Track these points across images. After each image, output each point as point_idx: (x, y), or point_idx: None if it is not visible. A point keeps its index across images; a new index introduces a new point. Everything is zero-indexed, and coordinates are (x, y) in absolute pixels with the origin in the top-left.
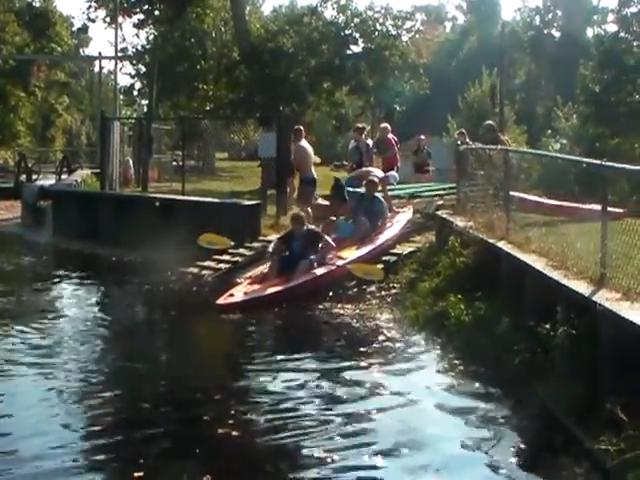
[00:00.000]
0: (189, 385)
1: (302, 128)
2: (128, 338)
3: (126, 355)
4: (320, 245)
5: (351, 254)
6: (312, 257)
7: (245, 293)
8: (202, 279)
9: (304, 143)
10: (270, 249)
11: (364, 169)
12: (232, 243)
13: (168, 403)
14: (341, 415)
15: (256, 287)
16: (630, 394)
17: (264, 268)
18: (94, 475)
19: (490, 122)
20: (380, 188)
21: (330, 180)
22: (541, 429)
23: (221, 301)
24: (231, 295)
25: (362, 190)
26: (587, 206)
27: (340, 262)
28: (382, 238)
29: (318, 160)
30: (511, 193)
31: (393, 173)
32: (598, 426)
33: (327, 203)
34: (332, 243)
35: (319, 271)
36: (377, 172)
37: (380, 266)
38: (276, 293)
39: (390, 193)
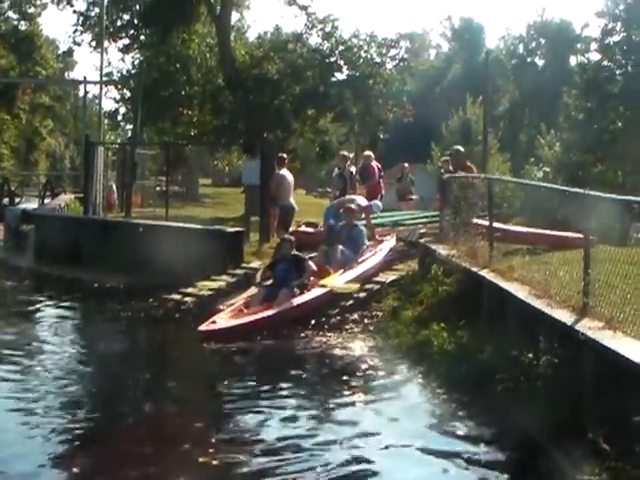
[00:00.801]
0: (169, 413)
1: (285, 156)
2: (107, 364)
3: (104, 382)
4: (304, 267)
5: (332, 281)
6: (294, 283)
7: (227, 320)
8: (184, 306)
9: (284, 172)
10: (258, 278)
11: (346, 197)
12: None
13: (147, 430)
14: (322, 443)
15: (238, 314)
16: (613, 424)
17: (247, 295)
18: None
19: (458, 147)
20: (363, 216)
21: (313, 207)
22: (524, 458)
23: (203, 328)
24: (213, 322)
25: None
26: (563, 234)
27: (322, 290)
28: (364, 266)
29: None
30: (475, 221)
31: (376, 202)
32: (582, 456)
33: (310, 230)
34: (314, 267)
35: (301, 298)
36: (360, 200)
37: (357, 285)
38: (258, 320)
39: (373, 221)
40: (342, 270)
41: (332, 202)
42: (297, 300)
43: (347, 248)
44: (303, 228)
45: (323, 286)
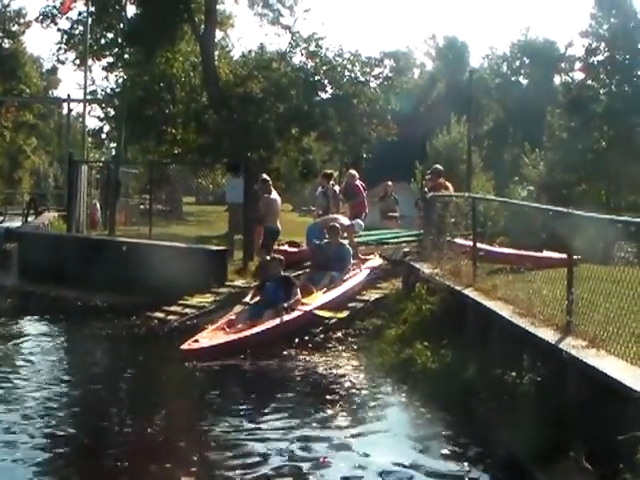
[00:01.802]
0: (150, 431)
1: (269, 179)
2: (90, 383)
3: (86, 399)
4: (291, 292)
5: (316, 300)
6: (280, 305)
7: (210, 339)
8: (168, 324)
9: (275, 195)
10: (248, 299)
11: (329, 216)
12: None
13: (130, 450)
14: (304, 462)
15: (222, 333)
16: (595, 442)
17: (232, 313)
18: None
19: (437, 166)
20: (346, 235)
21: (297, 226)
22: (507, 477)
23: (185, 347)
24: (196, 341)
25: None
26: (547, 254)
27: (307, 307)
28: (348, 285)
29: None
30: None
31: (358, 221)
32: (564, 474)
33: (294, 249)
34: (299, 296)
35: (285, 318)
36: (342, 219)
37: (345, 313)
38: (241, 339)
39: (357, 240)
40: (325, 289)
41: (315, 221)
42: (281, 319)
43: (335, 269)
44: (286, 247)
45: (305, 304)
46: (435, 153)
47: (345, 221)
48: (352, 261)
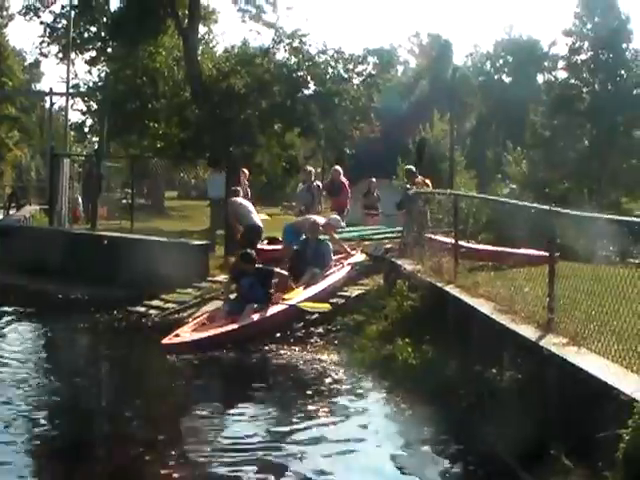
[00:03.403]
0: (131, 425)
1: (238, 189)
2: (70, 376)
3: (67, 393)
4: (274, 281)
5: (297, 296)
6: (260, 297)
7: (190, 334)
8: (149, 318)
9: (235, 199)
10: (222, 294)
11: (305, 217)
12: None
13: (110, 442)
14: (283, 458)
15: (202, 328)
16: (576, 440)
17: (211, 309)
18: None
19: (409, 167)
20: (326, 234)
21: (278, 223)
22: (488, 474)
23: (166, 341)
24: (177, 335)
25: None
26: (528, 251)
27: (291, 302)
28: (329, 281)
29: (266, 217)
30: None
31: (335, 216)
32: (545, 472)
33: (276, 247)
34: (285, 273)
35: (266, 312)
36: (318, 219)
37: (328, 305)
38: (222, 334)
39: (338, 236)
40: (305, 285)
41: (291, 222)
42: (261, 314)
43: (316, 265)
44: (264, 246)
45: (286, 300)
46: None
47: (321, 221)
48: (333, 257)
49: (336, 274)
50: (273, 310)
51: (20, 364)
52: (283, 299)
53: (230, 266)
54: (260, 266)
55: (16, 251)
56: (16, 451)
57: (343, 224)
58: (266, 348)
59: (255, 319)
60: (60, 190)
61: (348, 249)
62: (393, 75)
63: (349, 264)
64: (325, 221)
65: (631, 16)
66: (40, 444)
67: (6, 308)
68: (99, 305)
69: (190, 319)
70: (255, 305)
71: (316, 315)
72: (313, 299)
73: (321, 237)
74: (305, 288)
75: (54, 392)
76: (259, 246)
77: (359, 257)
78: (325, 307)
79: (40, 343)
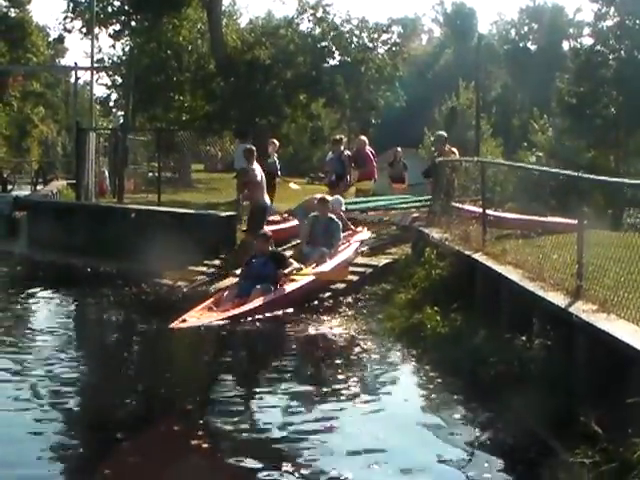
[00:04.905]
0: (160, 396)
1: (254, 149)
2: (99, 349)
3: (97, 366)
4: (285, 264)
5: (306, 277)
6: (281, 272)
7: (198, 318)
8: (178, 290)
9: (255, 166)
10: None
11: (311, 196)
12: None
13: (138, 414)
14: (314, 427)
15: (210, 312)
16: (605, 406)
17: (225, 284)
18: None
19: (441, 133)
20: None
21: (308, 194)
22: (517, 442)
23: (173, 325)
24: (184, 321)
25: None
26: (556, 219)
27: (297, 284)
28: (338, 259)
29: (297, 187)
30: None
31: (337, 197)
32: (574, 439)
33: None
34: (296, 264)
35: (273, 295)
36: (326, 197)
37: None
38: (230, 318)
39: (366, 205)
40: (315, 264)
41: (299, 203)
42: (269, 297)
43: (324, 244)
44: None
45: (294, 280)
46: (443, 119)
47: (339, 204)
48: (341, 235)
49: (344, 252)
50: (283, 292)
51: (49, 338)
52: (293, 280)
53: (239, 250)
54: (275, 250)
55: (44, 226)
56: (44, 424)
57: (343, 207)
58: (295, 318)
59: (262, 302)
60: (86, 164)
61: (353, 227)
62: (417, 44)
63: (356, 241)
64: (332, 198)
65: None
66: (68, 420)
67: (37, 283)
68: (128, 278)
69: (213, 290)
70: (261, 286)
71: (344, 285)
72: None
73: (330, 215)
74: (314, 268)
75: (83, 365)
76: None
77: (365, 234)
78: (344, 274)
79: (70, 317)
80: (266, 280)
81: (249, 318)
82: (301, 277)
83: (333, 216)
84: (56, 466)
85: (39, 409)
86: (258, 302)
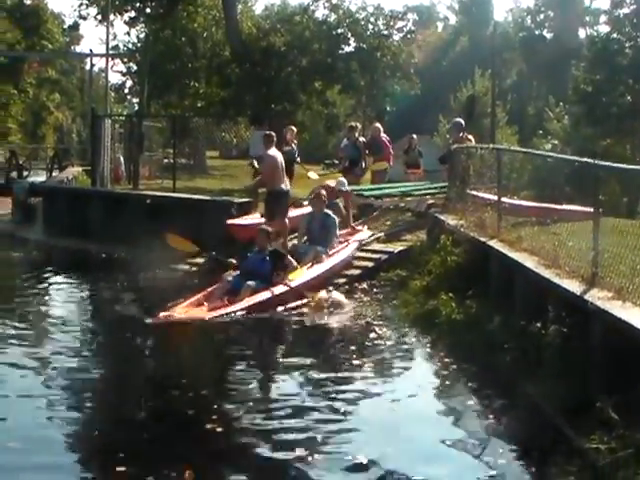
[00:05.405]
0: (175, 380)
1: (273, 135)
2: (113, 335)
3: (111, 351)
4: (283, 262)
5: (300, 276)
6: (253, 283)
7: (185, 314)
8: (193, 276)
9: (274, 152)
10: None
11: (324, 184)
12: (197, 249)
13: (153, 398)
14: (329, 412)
15: (197, 309)
16: (621, 393)
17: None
18: (76, 466)
19: (458, 120)
20: (340, 202)
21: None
22: (532, 428)
23: (155, 321)
24: (170, 316)
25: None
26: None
27: (293, 284)
28: (334, 260)
29: (316, 176)
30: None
31: (341, 179)
32: (589, 425)
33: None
34: (294, 263)
35: (265, 294)
36: (341, 185)
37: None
38: (218, 317)
39: (382, 191)
40: (310, 264)
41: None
42: (260, 296)
43: (320, 241)
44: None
45: (286, 283)
46: (459, 106)
47: (341, 186)
48: (339, 232)
49: (341, 253)
50: (272, 293)
51: (63, 322)
52: (286, 282)
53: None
54: (275, 248)
55: (59, 212)
56: (67, 411)
57: (345, 188)
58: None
59: (252, 302)
60: (102, 151)
61: (354, 224)
62: (433, 31)
63: (355, 241)
64: (346, 188)
65: None
66: (80, 399)
67: (52, 268)
68: (143, 264)
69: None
70: (254, 284)
71: (360, 271)
72: (317, 280)
73: (327, 211)
74: (309, 268)
75: (95, 349)
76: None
77: (365, 234)
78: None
79: (83, 302)
80: (260, 278)
81: (237, 314)
82: (295, 277)
83: (329, 212)
84: (73, 453)
85: (54, 395)
86: (247, 302)
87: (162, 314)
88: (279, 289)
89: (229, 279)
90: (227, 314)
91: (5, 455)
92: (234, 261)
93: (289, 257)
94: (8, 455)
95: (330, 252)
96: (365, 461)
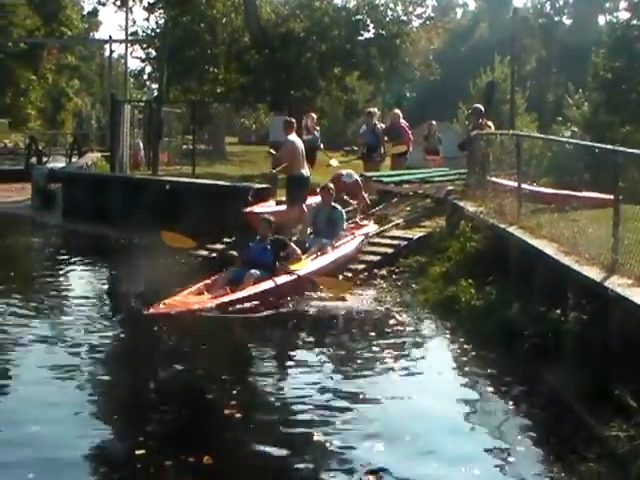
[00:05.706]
0: (193, 367)
1: (293, 121)
2: (132, 320)
3: (129, 336)
4: (287, 250)
5: (304, 267)
6: (255, 272)
7: (184, 304)
8: (212, 262)
9: (294, 137)
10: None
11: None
12: (194, 244)
13: (171, 384)
14: (348, 398)
15: (197, 298)
16: None
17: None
18: (95, 451)
19: (478, 106)
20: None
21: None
22: (551, 415)
23: (152, 311)
24: (171, 305)
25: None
26: (592, 194)
27: (301, 272)
28: (339, 252)
29: (338, 164)
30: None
31: (349, 172)
32: (608, 412)
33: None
34: (298, 251)
35: (268, 283)
36: (354, 175)
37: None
38: (219, 306)
39: (401, 178)
40: (315, 255)
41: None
42: (263, 286)
43: (326, 234)
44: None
45: (290, 272)
46: (479, 93)
47: (356, 176)
48: (345, 226)
49: (347, 245)
50: (275, 282)
51: (83, 307)
52: (290, 271)
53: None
54: (278, 237)
55: (79, 198)
56: (78, 390)
57: (354, 179)
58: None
59: (255, 291)
60: (121, 137)
61: (358, 221)
62: (452, 17)
63: (361, 234)
64: (356, 178)
65: None
66: (99, 385)
67: (71, 253)
68: (161, 250)
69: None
70: (257, 273)
71: (379, 257)
72: (321, 271)
73: (334, 204)
74: (313, 260)
75: (114, 335)
76: (273, 209)
77: (372, 227)
78: (346, 288)
79: (103, 287)
80: (262, 267)
81: (238, 306)
82: (300, 268)
83: (337, 205)
84: (92, 437)
85: (74, 376)
86: (250, 291)
87: (162, 304)
88: (283, 278)
89: (232, 269)
90: (227, 303)
91: (24, 428)
92: (235, 253)
93: (293, 246)
94: (27, 428)
95: (336, 244)
96: (383, 448)
